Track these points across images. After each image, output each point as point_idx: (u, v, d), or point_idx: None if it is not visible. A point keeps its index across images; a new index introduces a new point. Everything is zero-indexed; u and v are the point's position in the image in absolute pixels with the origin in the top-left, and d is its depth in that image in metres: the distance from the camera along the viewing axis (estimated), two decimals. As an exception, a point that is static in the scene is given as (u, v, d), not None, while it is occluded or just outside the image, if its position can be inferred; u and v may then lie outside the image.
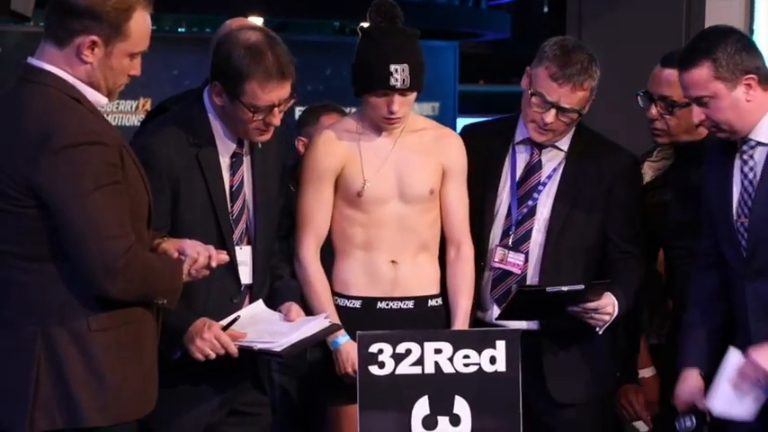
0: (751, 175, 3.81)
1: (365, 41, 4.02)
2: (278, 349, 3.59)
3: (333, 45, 14.62)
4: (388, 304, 4.09)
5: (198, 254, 3.41)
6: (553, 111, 4.05)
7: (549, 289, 3.85)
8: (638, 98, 4.22)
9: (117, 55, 3.25)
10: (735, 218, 3.83)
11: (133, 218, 3.25)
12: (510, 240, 4.15)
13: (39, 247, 3.18)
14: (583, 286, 3.86)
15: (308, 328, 3.74)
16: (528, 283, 4.10)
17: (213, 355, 3.59)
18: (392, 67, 3.92)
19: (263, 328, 3.68)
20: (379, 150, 4.07)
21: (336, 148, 4.07)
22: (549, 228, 4.14)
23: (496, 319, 4.09)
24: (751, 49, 3.78)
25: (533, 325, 4.14)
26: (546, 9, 25.45)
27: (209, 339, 3.59)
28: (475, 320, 4.17)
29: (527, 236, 4.15)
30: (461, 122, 14.79)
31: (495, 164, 4.21)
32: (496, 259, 4.15)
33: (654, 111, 4.19)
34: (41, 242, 3.18)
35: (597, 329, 4.00)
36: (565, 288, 3.83)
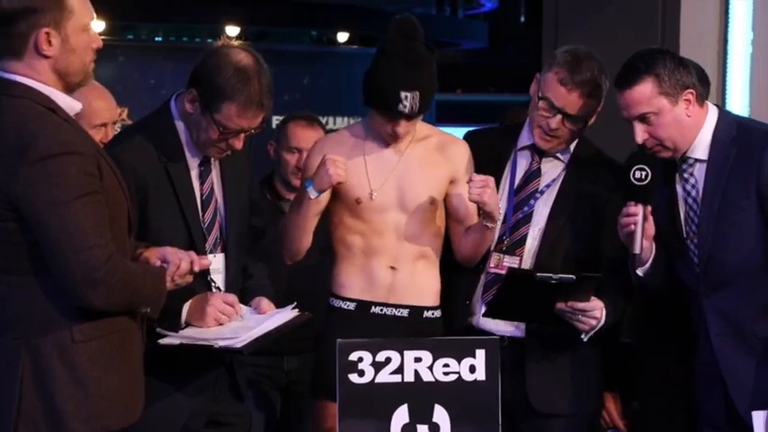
0: (694, 193, 3.86)
1: (381, 59, 3.99)
2: (238, 345, 3.59)
3: (310, 54, 14.61)
4: (382, 310, 4.10)
5: (180, 260, 3.41)
6: (559, 116, 4.06)
7: (539, 275, 3.84)
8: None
9: (73, 34, 3.24)
10: (684, 236, 3.87)
11: (113, 227, 3.25)
12: (504, 245, 4.16)
13: (20, 259, 3.18)
14: (574, 277, 3.86)
15: (275, 320, 3.75)
16: None
17: (228, 320, 3.67)
18: (402, 94, 3.91)
19: (231, 324, 3.69)
20: (386, 162, 4.08)
21: (340, 151, 4.05)
22: (543, 237, 4.15)
23: (484, 315, 4.10)
24: (686, 65, 3.85)
25: (518, 332, 4.15)
26: (522, 18, 25.55)
27: (216, 306, 3.66)
28: (464, 326, 4.18)
29: (521, 241, 4.16)
30: (438, 132, 14.83)
31: (495, 168, 4.21)
32: (492, 264, 4.16)
33: None
34: (23, 255, 3.17)
35: (582, 336, 4.00)
36: (555, 276, 3.83)
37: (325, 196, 4.02)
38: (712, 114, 3.87)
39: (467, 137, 4.38)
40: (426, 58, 3.98)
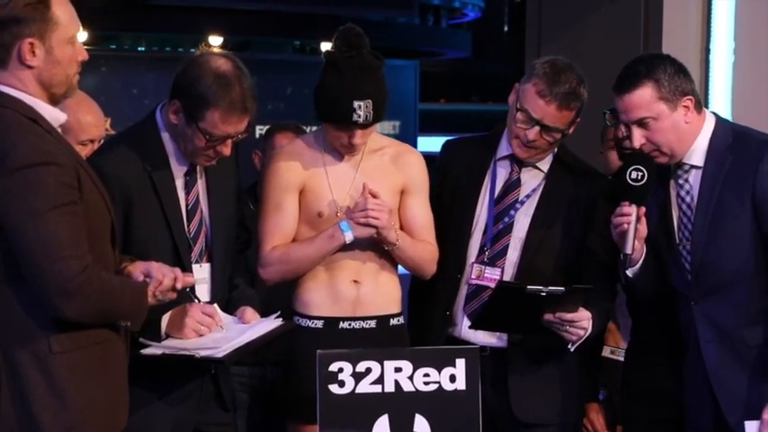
0: (688, 199, 3.85)
1: (329, 71, 3.98)
2: (220, 355, 3.57)
3: (293, 64, 14.62)
4: (350, 324, 4.10)
5: (163, 276, 3.39)
6: (537, 128, 4.05)
7: (529, 287, 3.83)
8: (605, 116, 4.25)
9: (57, 46, 3.23)
10: (677, 242, 3.86)
11: (94, 238, 3.23)
12: (486, 256, 4.16)
13: None
14: (563, 289, 3.85)
15: (257, 329, 3.73)
16: None
17: (207, 331, 3.65)
18: (356, 104, 3.91)
19: (212, 335, 3.68)
20: (345, 175, 4.08)
21: (299, 164, 4.07)
22: (524, 247, 4.14)
23: (470, 327, 4.09)
24: (685, 72, 3.84)
25: (501, 342, 4.15)
26: (506, 28, 25.62)
27: (195, 317, 3.64)
28: (446, 337, 4.17)
29: (502, 252, 4.15)
30: (422, 141, 14.85)
31: (475, 178, 4.22)
32: (473, 276, 4.15)
33: (623, 129, 4.23)
34: (-1, 264, 3.16)
35: (570, 346, 3.99)
36: (545, 289, 3.82)
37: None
38: (709, 121, 3.86)
39: (445, 146, 4.38)
40: (375, 66, 3.99)
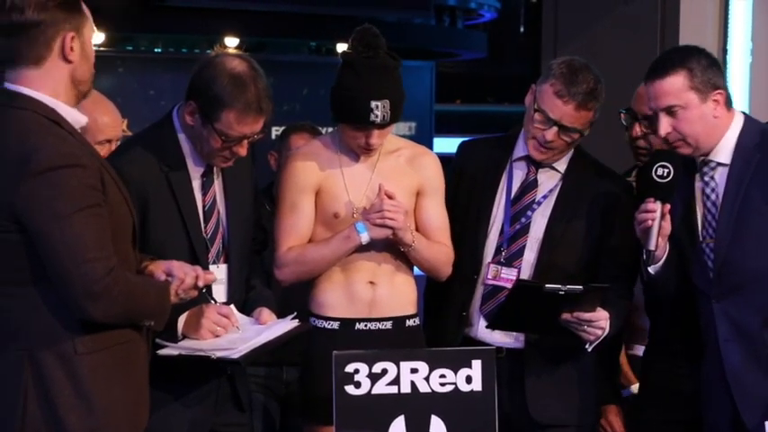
0: (713, 196, 3.84)
1: (346, 71, 3.99)
2: (236, 356, 3.58)
3: (309, 65, 14.61)
4: (366, 325, 4.09)
5: (185, 274, 3.41)
6: (554, 128, 4.05)
7: (547, 286, 3.83)
8: (621, 116, 4.24)
9: (87, 41, 3.26)
10: (700, 239, 3.85)
11: (117, 239, 3.24)
12: (502, 257, 4.16)
13: (22, 271, 3.17)
14: (581, 287, 3.85)
15: (273, 330, 3.74)
16: None
17: (224, 332, 3.66)
18: (373, 104, 3.91)
19: (228, 335, 3.68)
20: (361, 176, 4.08)
21: (316, 165, 4.08)
22: (540, 248, 4.14)
23: (487, 327, 4.10)
24: (718, 66, 3.84)
25: (517, 343, 4.15)
26: (522, 29, 25.59)
27: (211, 318, 3.65)
28: (462, 338, 4.18)
29: (519, 253, 4.15)
30: (438, 142, 14.84)
31: (492, 179, 4.23)
32: (490, 276, 4.15)
33: (637, 129, 4.22)
34: (24, 266, 3.16)
35: (587, 346, 3.99)
36: (563, 287, 3.81)
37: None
38: (738, 119, 3.85)
39: (461, 147, 4.39)
40: (391, 66, 3.99)
